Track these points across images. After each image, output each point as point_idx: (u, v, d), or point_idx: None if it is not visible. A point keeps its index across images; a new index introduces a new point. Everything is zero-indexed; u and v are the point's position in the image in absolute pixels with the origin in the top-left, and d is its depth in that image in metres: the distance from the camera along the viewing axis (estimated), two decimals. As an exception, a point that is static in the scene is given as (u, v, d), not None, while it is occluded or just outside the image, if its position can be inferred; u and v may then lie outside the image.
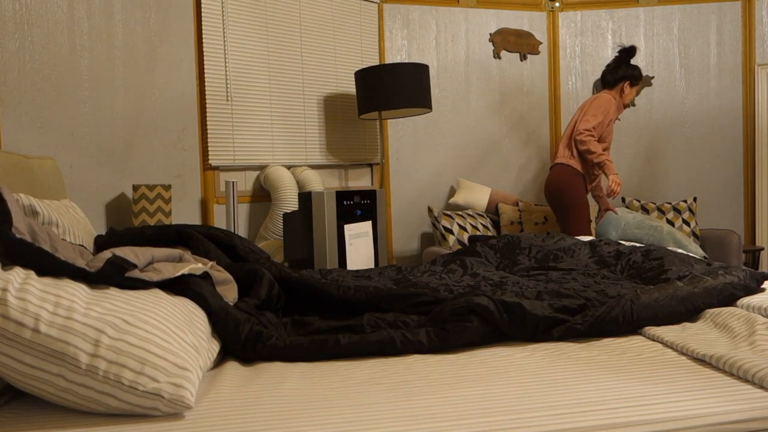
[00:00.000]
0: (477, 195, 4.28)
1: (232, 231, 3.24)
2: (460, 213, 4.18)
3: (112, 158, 3.34)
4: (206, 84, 3.65)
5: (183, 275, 1.41)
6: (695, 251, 3.45)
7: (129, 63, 3.38)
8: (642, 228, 3.57)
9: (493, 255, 2.41)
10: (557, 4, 4.67)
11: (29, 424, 1.05)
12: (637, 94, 4.44)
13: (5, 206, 1.23)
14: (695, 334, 1.43)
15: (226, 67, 3.72)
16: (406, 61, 4.40)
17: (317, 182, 3.93)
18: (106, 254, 1.29)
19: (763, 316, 1.44)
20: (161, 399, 1.04)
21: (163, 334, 1.14)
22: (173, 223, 3.38)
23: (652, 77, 4.64)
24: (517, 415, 1.04)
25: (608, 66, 3.75)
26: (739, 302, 1.62)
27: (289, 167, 3.95)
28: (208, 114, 3.66)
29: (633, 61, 4.70)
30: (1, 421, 1.06)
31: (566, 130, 3.74)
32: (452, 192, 4.52)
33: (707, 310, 1.57)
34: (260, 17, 3.88)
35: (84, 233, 1.99)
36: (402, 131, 4.43)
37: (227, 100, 3.74)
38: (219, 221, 3.67)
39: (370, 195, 3.59)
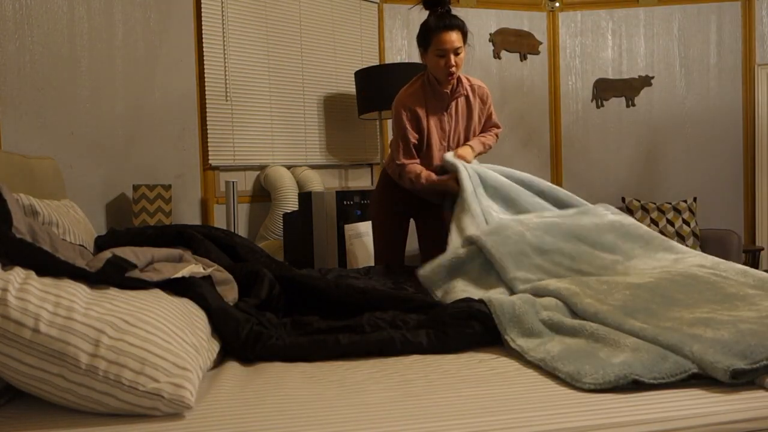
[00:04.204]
0: (477, 195, 4.27)
1: (232, 231, 3.24)
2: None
3: (112, 158, 3.34)
4: (206, 84, 3.65)
5: (183, 276, 1.41)
6: None
7: (129, 63, 3.38)
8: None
9: None
10: (557, 4, 4.67)
11: (29, 424, 1.05)
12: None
13: (5, 206, 1.23)
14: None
15: (225, 67, 3.72)
16: (406, 61, 4.40)
17: (317, 182, 3.93)
18: (106, 254, 1.29)
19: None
20: (161, 399, 1.04)
21: (163, 334, 1.14)
22: (173, 223, 3.38)
23: (652, 77, 4.64)
24: (517, 415, 1.04)
25: None
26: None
27: (289, 167, 3.95)
28: (208, 114, 3.66)
29: (634, 60, 4.70)
30: (1, 421, 1.06)
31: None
32: (452, 192, 4.52)
33: None
34: (260, 17, 3.88)
35: (84, 233, 1.99)
36: (402, 131, 4.43)
37: (227, 100, 3.74)
38: (219, 221, 3.67)
39: (370, 195, 3.59)
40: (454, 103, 2.61)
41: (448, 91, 2.57)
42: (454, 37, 2.44)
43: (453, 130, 2.63)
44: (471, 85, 2.66)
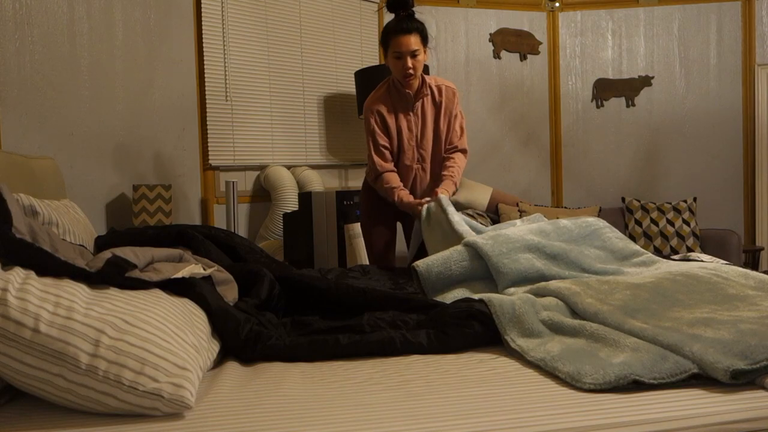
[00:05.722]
0: (478, 194, 4.27)
1: (233, 231, 3.24)
2: (459, 212, 4.17)
3: (112, 158, 3.34)
4: (206, 84, 3.65)
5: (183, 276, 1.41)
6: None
7: (129, 63, 3.38)
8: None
9: None
10: (557, 4, 4.67)
11: (29, 424, 1.05)
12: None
13: (5, 206, 1.23)
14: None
15: (226, 67, 3.72)
16: (406, 61, 4.39)
17: (317, 182, 3.93)
18: (106, 254, 1.29)
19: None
20: (161, 399, 1.04)
21: (163, 334, 1.14)
22: (173, 223, 3.38)
23: (652, 77, 4.64)
24: (517, 415, 1.04)
25: None
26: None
27: (289, 167, 3.95)
28: (208, 114, 3.66)
29: (634, 60, 4.70)
30: (1, 421, 1.06)
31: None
32: (452, 192, 4.52)
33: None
34: (260, 17, 3.88)
35: (84, 233, 1.99)
36: (402, 131, 4.43)
37: (227, 100, 3.74)
38: (219, 221, 3.67)
39: (370, 195, 3.59)
40: (419, 104, 2.67)
41: (412, 92, 2.63)
42: (412, 40, 2.52)
43: (420, 130, 2.69)
44: (437, 86, 2.71)
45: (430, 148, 2.72)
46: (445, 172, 2.70)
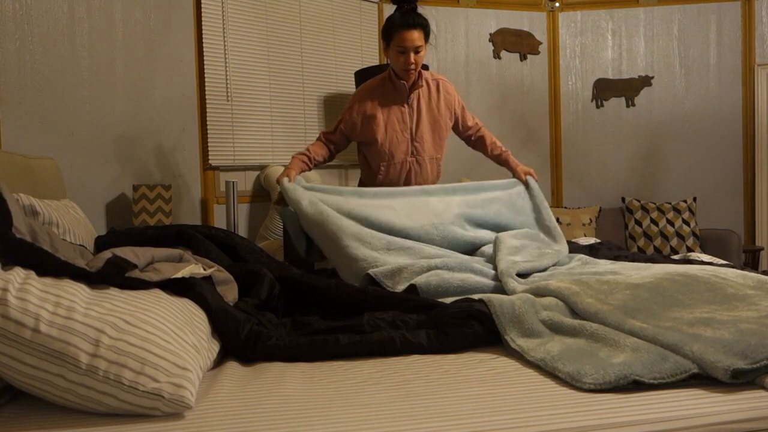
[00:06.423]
0: (477, 195, 4.27)
1: (232, 231, 3.24)
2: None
3: (112, 158, 3.34)
4: (206, 84, 3.65)
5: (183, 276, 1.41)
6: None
7: (129, 63, 3.38)
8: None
9: None
10: (557, 4, 4.67)
11: (29, 424, 1.05)
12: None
13: (5, 206, 1.23)
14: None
15: (226, 67, 3.72)
16: (406, 61, 4.39)
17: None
18: (106, 254, 1.29)
19: None
20: (161, 399, 1.05)
21: (163, 334, 1.14)
22: (173, 223, 3.38)
23: (652, 77, 4.64)
24: (517, 415, 1.04)
25: None
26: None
27: (289, 167, 3.94)
28: (208, 114, 3.66)
29: (634, 60, 4.70)
30: (1, 421, 1.06)
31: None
32: (452, 192, 4.51)
33: None
34: (260, 17, 3.88)
35: (84, 233, 1.99)
36: (402, 131, 4.43)
37: (227, 100, 3.74)
38: (219, 221, 3.67)
39: (370, 195, 3.58)
40: (415, 96, 2.68)
41: (408, 84, 2.64)
42: (416, 35, 2.51)
43: (416, 122, 2.68)
44: (434, 79, 2.73)
45: (426, 141, 2.73)
46: (502, 150, 2.85)
